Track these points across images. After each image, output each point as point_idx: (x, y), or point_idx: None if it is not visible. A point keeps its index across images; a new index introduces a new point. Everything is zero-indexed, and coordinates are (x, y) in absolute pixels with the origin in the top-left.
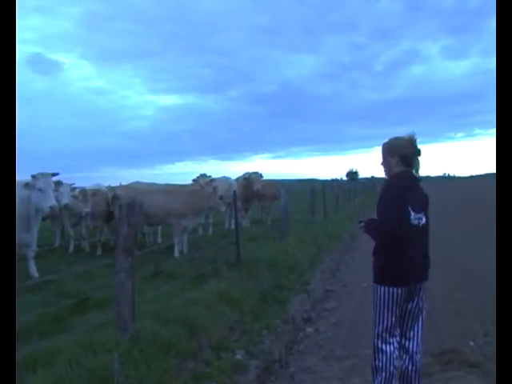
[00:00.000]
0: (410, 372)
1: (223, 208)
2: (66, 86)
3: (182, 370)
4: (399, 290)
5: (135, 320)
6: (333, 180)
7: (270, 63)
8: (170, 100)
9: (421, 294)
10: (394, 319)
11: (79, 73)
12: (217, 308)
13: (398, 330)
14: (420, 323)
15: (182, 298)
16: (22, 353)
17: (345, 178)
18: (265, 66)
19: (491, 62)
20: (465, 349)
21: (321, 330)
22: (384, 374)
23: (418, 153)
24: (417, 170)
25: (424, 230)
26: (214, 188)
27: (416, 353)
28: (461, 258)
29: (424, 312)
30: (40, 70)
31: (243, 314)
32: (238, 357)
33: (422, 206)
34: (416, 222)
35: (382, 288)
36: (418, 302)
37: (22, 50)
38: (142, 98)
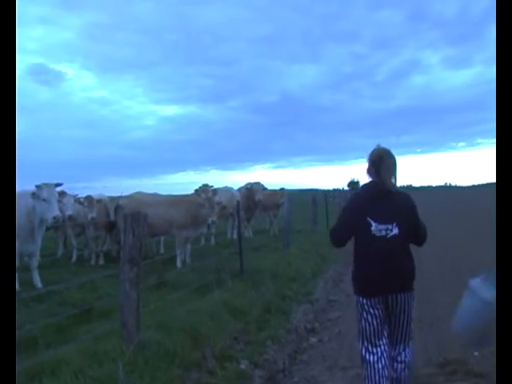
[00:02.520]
0: (395, 382)
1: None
2: (68, 96)
3: (187, 379)
4: (367, 301)
5: (140, 330)
6: (334, 190)
7: (271, 73)
8: (172, 110)
9: (403, 307)
10: (371, 329)
11: (81, 83)
12: (221, 318)
13: (384, 340)
14: (405, 335)
15: (185, 308)
16: (27, 363)
17: (346, 188)
18: (266, 76)
19: (493, 72)
20: (469, 359)
21: (324, 340)
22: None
23: (379, 161)
24: (391, 179)
25: (396, 241)
26: (209, 199)
27: (400, 362)
28: (463, 267)
29: (412, 324)
30: (42, 81)
31: (247, 323)
32: (242, 366)
33: (393, 217)
34: (382, 233)
35: (355, 298)
36: (399, 314)
37: (24, 61)
38: (144, 107)
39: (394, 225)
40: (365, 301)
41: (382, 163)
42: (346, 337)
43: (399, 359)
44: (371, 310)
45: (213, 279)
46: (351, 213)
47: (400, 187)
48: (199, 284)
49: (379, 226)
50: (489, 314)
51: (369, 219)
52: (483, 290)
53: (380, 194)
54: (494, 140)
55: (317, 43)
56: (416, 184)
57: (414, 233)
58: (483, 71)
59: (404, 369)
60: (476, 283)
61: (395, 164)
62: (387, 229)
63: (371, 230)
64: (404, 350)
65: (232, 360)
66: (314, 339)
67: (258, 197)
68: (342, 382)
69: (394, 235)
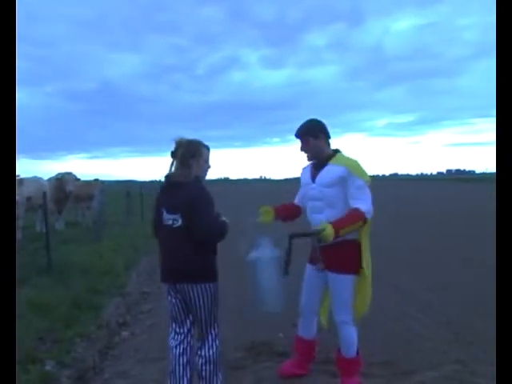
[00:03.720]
0: (197, 375)
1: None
2: None
3: None
4: (165, 287)
5: None
6: (151, 181)
7: (90, 59)
8: None
9: (194, 299)
10: (171, 314)
11: None
12: (25, 317)
13: (186, 329)
14: (203, 328)
15: None
16: None
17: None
18: (85, 62)
19: (305, 74)
20: (274, 341)
21: (136, 333)
22: (169, 370)
23: (174, 152)
24: (184, 170)
25: (180, 232)
26: None
27: (200, 356)
28: None
29: (211, 319)
30: None
31: (54, 321)
32: (48, 368)
33: (178, 208)
34: (169, 223)
35: None
36: (193, 306)
37: None
38: None
39: (179, 215)
40: (164, 286)
41: (176, 154)
42: (158, 328)
43: (199, 353)
44: (169, 297)
45: (17, 276)
46: (155, 203)
47: (216, 180)
48: None
49: (168, 216)
50: (256, 270)
51: (161, 208)
52: (250, 255)
53: (170, 185)
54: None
55: (138, 32)
56: (233, 177)
57: (196, 227)
58: (295, 73)
59: (204, 363)
60: (248, 256)
61: (190, 154)
62: (174, 219)
63: (162, 220)
64: (204, 344)
65: (36, 362)
66: (125, 333)
67: (69, 188)
68: (154, 373)
69: (179, 226)
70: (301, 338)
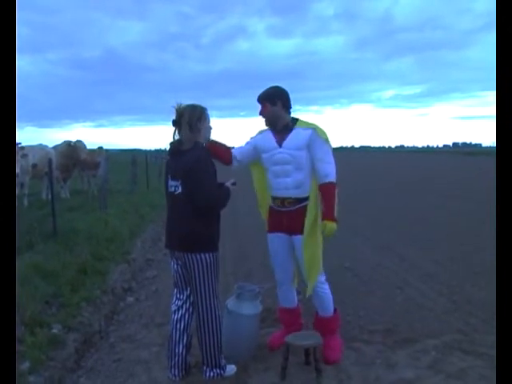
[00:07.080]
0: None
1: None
2: None
3: None
4: (168, 252)
5: None
6: (156, 150)
7: (94, 27)
8: None
9: (193, 269)
10: (173, 280)
11: None
12: (31, 282)
13: (185, 295)
14: (200, 299)
15: None
16: None
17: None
18: (89, 29)
19: (312, 44)
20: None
21: (141, 299)
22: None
23: (179, 118)
24: (189, 136)
25: (180, 199)
26: None
27: (197, 324)
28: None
29: (210, 292)
30: None
31: (60, 286)
32: (55, 331)
33: (180, 174)
34: (172, 190)
35: None
36: (192, 275)
37: None
38: None
39: (179, 182)
40: (167, 251)
41: (180, 121)
42: (163, 294)
43: (197, 323)
44: (171, 263)
45: (23, 242)
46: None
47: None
48: None
49: (171, 183)
50: (235, 324)
51: (167, 175)
52: (232, 304)
53: (173, 151)
54: (310, 107)
55: (143, 0)
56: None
57: (196, 194)
58: (303, 43)
59: (203, 333)
60: (229, 302)
61: (197, 118)
62: (176, 186)
63: (168, 186)
64: (202, 314)
65: (43, 325)
66: (130, 298)
67: (83, 156)
68: (158, 338)
69: (179, 193)
70: (284, 309)
